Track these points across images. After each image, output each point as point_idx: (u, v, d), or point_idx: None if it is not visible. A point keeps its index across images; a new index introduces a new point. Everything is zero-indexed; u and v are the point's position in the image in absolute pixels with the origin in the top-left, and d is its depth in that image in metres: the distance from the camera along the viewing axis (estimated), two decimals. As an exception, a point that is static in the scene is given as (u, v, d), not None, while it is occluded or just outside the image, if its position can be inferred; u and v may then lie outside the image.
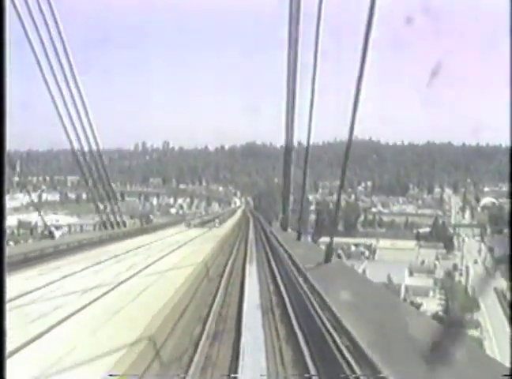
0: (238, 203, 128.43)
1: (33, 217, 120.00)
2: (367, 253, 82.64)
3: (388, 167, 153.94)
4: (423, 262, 79.35)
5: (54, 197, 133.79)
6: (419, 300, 63.30)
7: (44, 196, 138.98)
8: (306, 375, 7.45)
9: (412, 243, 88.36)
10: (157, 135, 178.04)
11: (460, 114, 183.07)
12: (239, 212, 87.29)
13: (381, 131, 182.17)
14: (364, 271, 63.19)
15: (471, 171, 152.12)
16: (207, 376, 8.12)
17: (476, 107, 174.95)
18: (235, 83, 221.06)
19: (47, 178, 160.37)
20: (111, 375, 6.41)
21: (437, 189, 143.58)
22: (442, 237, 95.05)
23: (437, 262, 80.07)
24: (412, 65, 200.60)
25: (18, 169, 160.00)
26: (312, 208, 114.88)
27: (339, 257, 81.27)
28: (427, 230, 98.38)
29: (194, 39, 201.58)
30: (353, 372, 6.31)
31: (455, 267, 79.10)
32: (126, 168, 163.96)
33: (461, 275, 75.60)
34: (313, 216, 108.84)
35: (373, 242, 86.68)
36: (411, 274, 70.99)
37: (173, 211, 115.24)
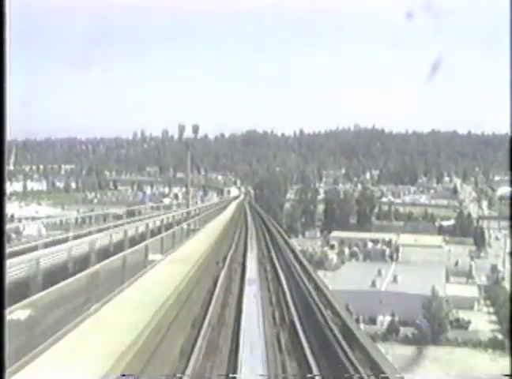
0: (235, 192, 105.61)
1: (14, 208, 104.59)
2: (387, 251, 65.43)
3: (393, 156, 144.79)
4: (456, 263, 62.45)
5: (42, 185, 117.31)
6: (463, 315, 46.08)
7: (33, 184, 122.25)
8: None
9: (437, 239, 71.75)
10: (157, 124, 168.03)
11: (461, 106, 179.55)
12: (231, 209, 48.69)
13: (385, 119, 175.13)
14: (395, 278, 45.91)
15: (478, 160, 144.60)
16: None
17: (477, 100, 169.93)
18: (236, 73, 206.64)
19: (41, 166, 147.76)
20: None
21: (446, 178, 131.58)
22: (468, 231, 78.09)
23: (472, 263, 62.75)
24: (414, 60, 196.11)
25: (13, 158, 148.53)
26: (320, 197, 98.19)
27: (354, 254, 64.30)
28: (451, 223, 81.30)
29: (194, 32, 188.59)
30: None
31: (494, 268, 61.88)
32: (123, 157, 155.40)
33: (503, 279, 58.52)
34: (321, 207, 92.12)
35: (392, 237, 69.57)
36: (447, 279, 53.81)
37: (167, 201, 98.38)
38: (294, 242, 69.51)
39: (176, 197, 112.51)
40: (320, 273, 55.60)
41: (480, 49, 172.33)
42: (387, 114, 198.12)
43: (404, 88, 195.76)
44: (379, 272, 48.46)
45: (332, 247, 70.63)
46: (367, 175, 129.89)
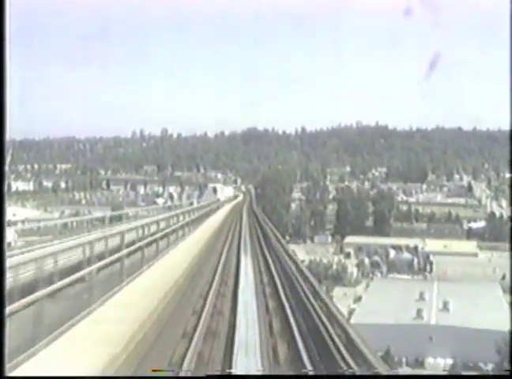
0: (228, 192, 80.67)
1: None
2: (415, 261, 51.89)
3: (398, 153, 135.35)
4: (503, 277, 48.92)
5: (29, 186, 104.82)
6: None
7: (19, 184, 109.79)
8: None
9: (470, 245, 58.59)
10: (156, 122, 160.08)
11: (464, 102, 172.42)
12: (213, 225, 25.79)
13: (388, 116, 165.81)
14: (446, 305, 32.24)
15: (485, 156, 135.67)
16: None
17: (481, 96, 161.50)
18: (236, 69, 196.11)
19: (36, 166, 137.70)
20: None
21: (456, 176, 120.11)
22: (500, 234, 64.84)
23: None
24: (416, 56, 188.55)
25: (9, 158, 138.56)
26: (330, 196, 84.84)
27: (375, 265, 50.84)
28: (481, 225, 67.93)
29: (194, 30, 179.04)
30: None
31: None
32: (121, 155, 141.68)
33: None
34: (331, 207, 78.68)
35: (417, 242, 56.18)
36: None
37: (160, 201, 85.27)
38: (301, 248, 53.98)
39: (171, 196, 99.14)
40: (339, 291, 41.47)
41: (481, 44, 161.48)
42: (390, 110, 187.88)
43: (407, 85, 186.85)
44: (421, 296, 35.12)
45: (347, 255, 57.36)
46: (374, 173, 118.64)
